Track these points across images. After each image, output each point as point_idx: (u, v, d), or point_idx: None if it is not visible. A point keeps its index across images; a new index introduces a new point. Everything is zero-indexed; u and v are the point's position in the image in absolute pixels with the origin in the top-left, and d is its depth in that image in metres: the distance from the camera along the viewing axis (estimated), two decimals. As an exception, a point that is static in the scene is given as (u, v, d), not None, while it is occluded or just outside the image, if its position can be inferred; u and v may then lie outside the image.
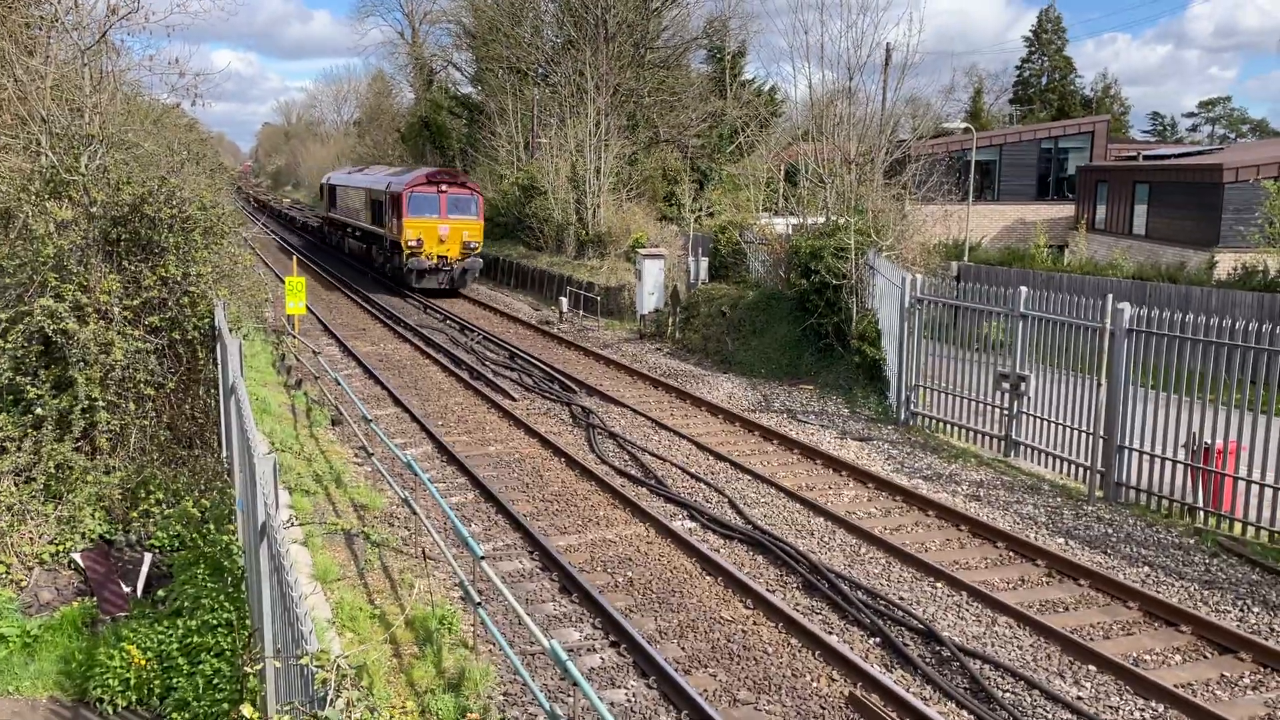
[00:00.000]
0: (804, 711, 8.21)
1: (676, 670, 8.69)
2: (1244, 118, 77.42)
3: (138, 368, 11.85)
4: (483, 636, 9.21)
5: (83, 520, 11.04)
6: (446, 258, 31.98)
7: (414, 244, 31.47)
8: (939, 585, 10.75)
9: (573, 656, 8.89)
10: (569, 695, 8.33)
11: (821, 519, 12.73)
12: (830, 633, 9.62)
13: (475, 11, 53.34)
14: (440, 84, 63.54)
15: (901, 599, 10.36)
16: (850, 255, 20.56)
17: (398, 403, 18.36)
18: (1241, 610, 10.28)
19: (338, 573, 10.36)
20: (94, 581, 10.30)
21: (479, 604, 8.85)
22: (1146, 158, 40.57)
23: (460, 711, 7.90)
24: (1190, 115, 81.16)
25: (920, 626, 9.66)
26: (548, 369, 21.25)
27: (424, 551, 11.04)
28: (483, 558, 8.85)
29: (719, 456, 15.28)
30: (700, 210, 34.86)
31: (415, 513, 11.02)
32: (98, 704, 8.35)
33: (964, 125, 43.83)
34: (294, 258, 28.29)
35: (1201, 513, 12.67)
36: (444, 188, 31.89)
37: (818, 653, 9.18)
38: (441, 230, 31.70)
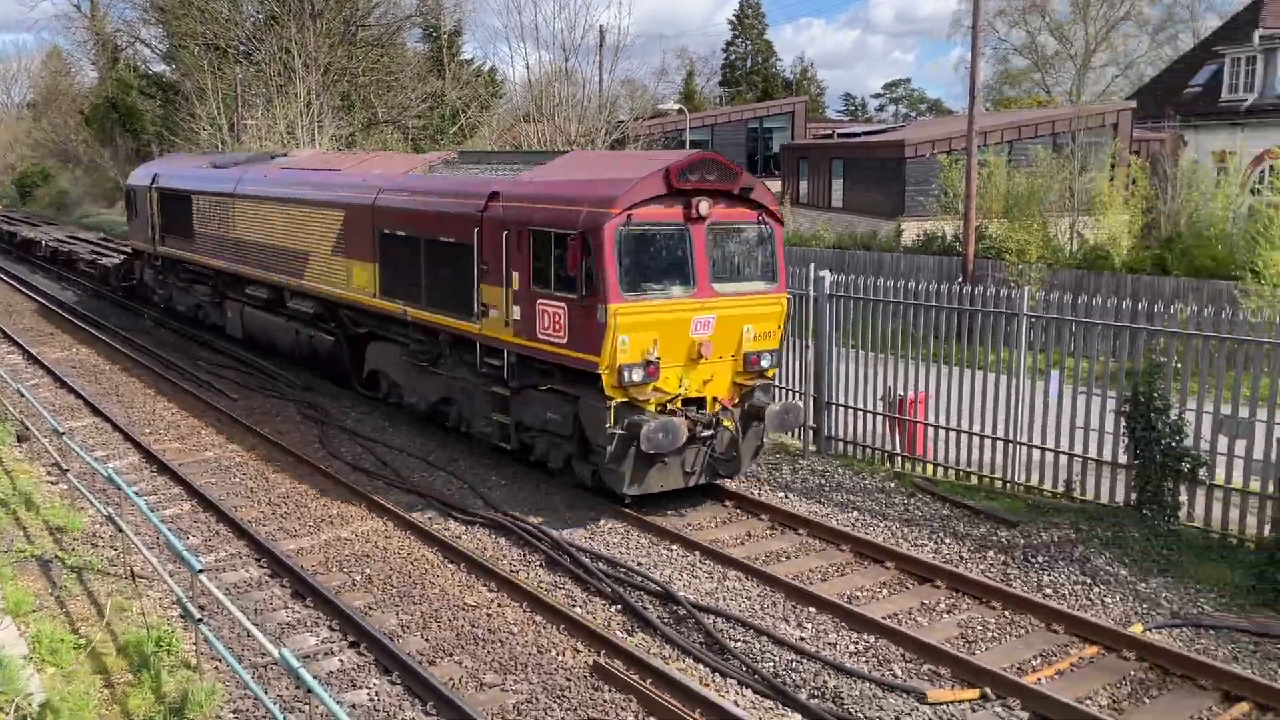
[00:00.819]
0: (550, 686, 8.31)
1: (420, 663, 8.53)
2: (923, 98, 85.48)
3: None
4: (207, 654, 8.61)
5: None
6: (704, 401, 12.16)
7: (636, 376, 11.41)
8: (674, 548, 11.19)
9: (309, 662, 8.51)
10: (305, 703, 7.97)
11: (550, 492, 12.88)
12: (574, 605, 9.78)
13: (163, -17, 49.14)
14: (128, 62, 58.06)
15: (640, 565, 10.70)
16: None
17: (96, 411, 16.73)
18: (936, 542, 11.44)
19: (33, 603, 9.33)
20: None
21: (200, 620, 8.26)
22: (840, 136, 43.93)
23: (185, 737, 7.36)
24: (877, 96, 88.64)
25: (658, 589, 10.03)
26: (264, 366, 20.07)
27: (133, 571, 10.16)
28: (201, 570, 8.25)
29: (459, 442, 15.09)
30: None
31: (122, 530, 10.11)
32: None
33: (678, 106, 45.57)
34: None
35: (899, 458, 13.97)
36: (702, 207, 11.76)
37: (562, 627, 9.31)
38: (700, 328, 11.85)
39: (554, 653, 8.87)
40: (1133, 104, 36.01)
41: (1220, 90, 37.00)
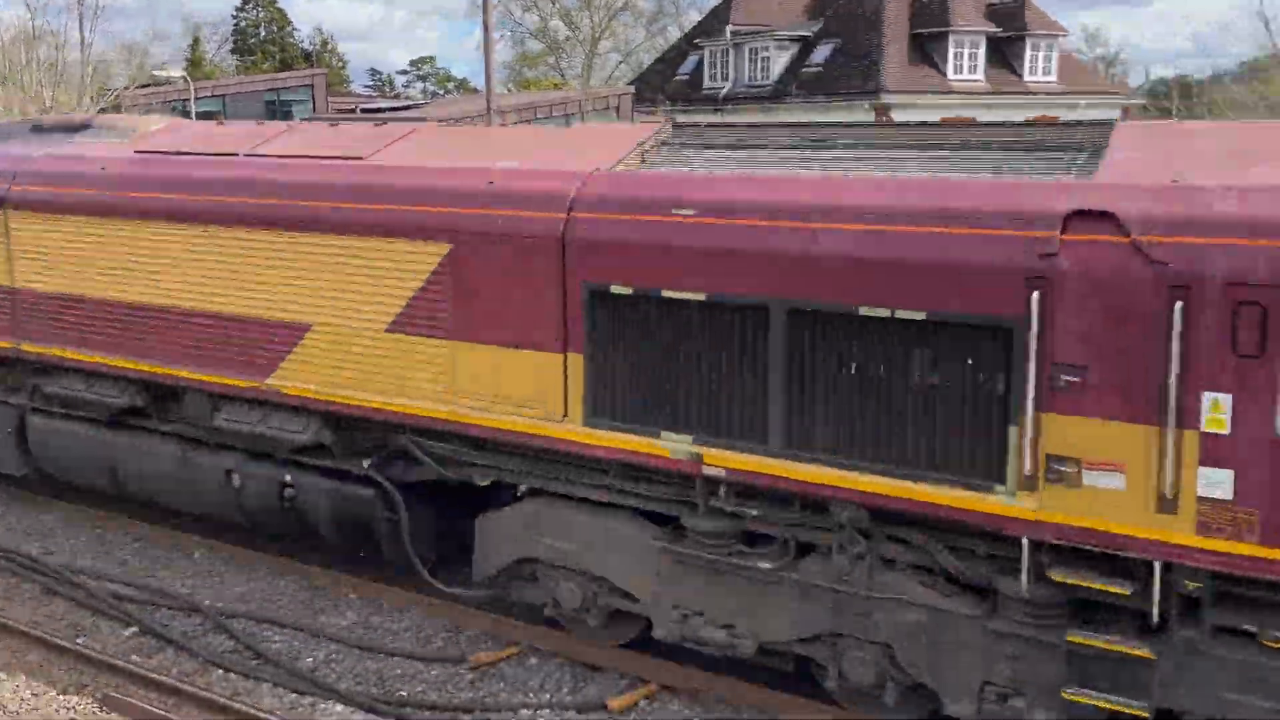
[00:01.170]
0: (48, 732, 7.31)
1: None
2: (449, 76, 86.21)
3: None
4: None
5: None
6: None
7: None
8: (197, 555, 10.33)
9: None
10: None
11: (56, 513, 11.32)
12: (79, 635, 8.69)
13: None
14: None
15: (161, 579, 9.75)
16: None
17: None
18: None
19: None
20: None
21: None
22: (364, 110, 43.05)
23: None
24: (404, 72, 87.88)
25: (182, 603, 9.22)
26: None
27: None
28: None
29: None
30: None
31: None
32: None
33: (183, 74, 41.81)
34: None
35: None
36: None
37: (65, 663, 8.23)
38: None
39: (54, 693, 7.80)
40: (631, 89, 39.42)
41: (703, 79, 41.78)
